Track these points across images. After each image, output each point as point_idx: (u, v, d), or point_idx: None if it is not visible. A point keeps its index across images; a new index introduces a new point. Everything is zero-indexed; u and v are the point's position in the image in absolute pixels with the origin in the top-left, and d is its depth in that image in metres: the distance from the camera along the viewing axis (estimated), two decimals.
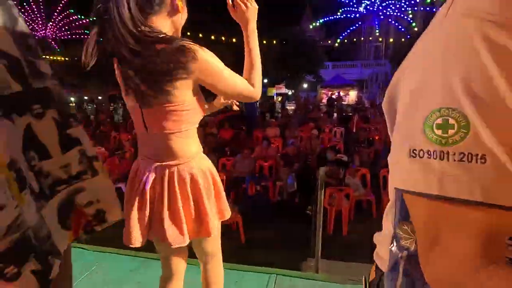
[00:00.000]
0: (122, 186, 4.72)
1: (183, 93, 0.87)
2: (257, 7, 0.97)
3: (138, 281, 1.78)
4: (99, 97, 19.59)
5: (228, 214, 1.08)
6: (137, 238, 0.97)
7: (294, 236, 3.51)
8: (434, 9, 18.86)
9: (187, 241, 0.96)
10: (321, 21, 21.26)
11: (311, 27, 20.42)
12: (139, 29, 0.80)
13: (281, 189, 4.64)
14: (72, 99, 23.50)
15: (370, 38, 21.45)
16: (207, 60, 0.85)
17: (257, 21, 0.98)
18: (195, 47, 0.83)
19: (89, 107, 20.82)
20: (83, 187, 0.77)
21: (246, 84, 0.95)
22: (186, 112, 0.89)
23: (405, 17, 20.37)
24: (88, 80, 13.23)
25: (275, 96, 19.23)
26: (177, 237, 0.94)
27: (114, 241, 3.15)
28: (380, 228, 0.58)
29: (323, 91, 20.55)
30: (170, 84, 0.84)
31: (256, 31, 0.98)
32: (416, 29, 18.09)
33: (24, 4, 23.44)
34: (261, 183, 4.69)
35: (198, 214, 0.97)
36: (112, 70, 0.96)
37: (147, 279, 1.78)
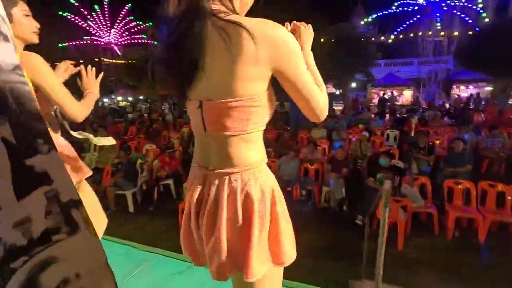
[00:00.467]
0: (170, 182, 4.93)
1: (254, 85, 0.70)
2: (313, 33, 0.89)
3: (179, 286, 1.76)
4: (153, 97, 20.98)
5: (288, 259, 0.81)
6: (185, 248, 0.91)
7: (342, 247, 3.27)
8: None
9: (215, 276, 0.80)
10: (373, 16, 19.96)
11: (362, 22, 19.30)
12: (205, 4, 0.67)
13: (327, 195, 4.40)
14: (130, 98, 25.68)
15: (430, 33, 19.51)
16: (287, 41, 0.68)
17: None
18: (270, 22, 0.67)
19: (144, 106, 22.54)
20: (54, 256, 0.47)
21: (318, 92, 0.77)
22: (255, 109, 0.73)
23: (474, 6, 18.09)
24: (142, 80, 14.24)
25: None
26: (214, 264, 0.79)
27: (166, 240, 3.25)
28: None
29: (373, 90, 19.36)
30: (236, 72, 0.67)
31: (311, 53, 0.88)
32: (487, 19, 15.95)
33: (93, 13, 26.18)
34: (307, 187, 4.50)
35: (238, 245, 0.77)
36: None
37: (188, 284, 1.75)
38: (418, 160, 4.93)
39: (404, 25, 19.77)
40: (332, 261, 2.98)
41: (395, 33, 19.12)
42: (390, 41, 18.60)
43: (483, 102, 13.85)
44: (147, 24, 27.31)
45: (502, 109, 10.28)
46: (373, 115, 10.25)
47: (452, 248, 3.28)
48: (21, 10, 1.13)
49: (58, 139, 1.30)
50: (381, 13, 20.01)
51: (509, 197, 3.44)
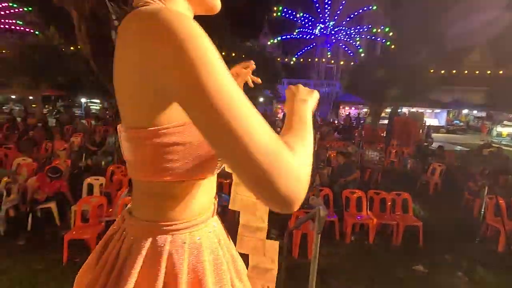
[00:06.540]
0: (52, 205, 3.94)
1: (155, 112, 0.48)
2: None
3: None
4: (30, 97, 17.04)
5: None
6: None
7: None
8: (378, 39, 20.98)
9: None
10: (278, 38, 22.00)
11: (269, 43, 20.93)
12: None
13: None
14: None
15: (323, 60, 22.77)
16: (186, 40, 0.40)
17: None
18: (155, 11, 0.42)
19: (17, 107, 18.06)
20: None
21: (272, 137, 0.43)
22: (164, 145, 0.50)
23: (354, 43, 22.23)
24: (17, 76, 11.42)
25: None
26: None
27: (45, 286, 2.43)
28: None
29: (278, 106, 21.06)
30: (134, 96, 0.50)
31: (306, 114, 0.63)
32: (362, 55, 19.78)
33: None
34: (223, 203, 4.34)
35: None
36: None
37: None
38: (319, 172, 5.47)
39: (303, 50, 22.51)
40: None
41: (296, 56, 21.54)
42: (292, 62, 20.80)
43: (362, 121, 16.92)
44: (25, 9, 22.35)
45: (375, 128, 12.77)
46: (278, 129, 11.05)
47: (351, 252, 3.70)
48: None
49: None
50: (284, 37, 22.24)
51: (389, 203, 4.16)
